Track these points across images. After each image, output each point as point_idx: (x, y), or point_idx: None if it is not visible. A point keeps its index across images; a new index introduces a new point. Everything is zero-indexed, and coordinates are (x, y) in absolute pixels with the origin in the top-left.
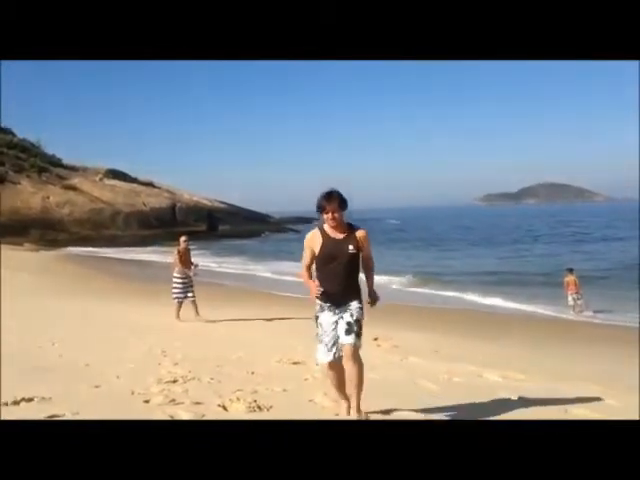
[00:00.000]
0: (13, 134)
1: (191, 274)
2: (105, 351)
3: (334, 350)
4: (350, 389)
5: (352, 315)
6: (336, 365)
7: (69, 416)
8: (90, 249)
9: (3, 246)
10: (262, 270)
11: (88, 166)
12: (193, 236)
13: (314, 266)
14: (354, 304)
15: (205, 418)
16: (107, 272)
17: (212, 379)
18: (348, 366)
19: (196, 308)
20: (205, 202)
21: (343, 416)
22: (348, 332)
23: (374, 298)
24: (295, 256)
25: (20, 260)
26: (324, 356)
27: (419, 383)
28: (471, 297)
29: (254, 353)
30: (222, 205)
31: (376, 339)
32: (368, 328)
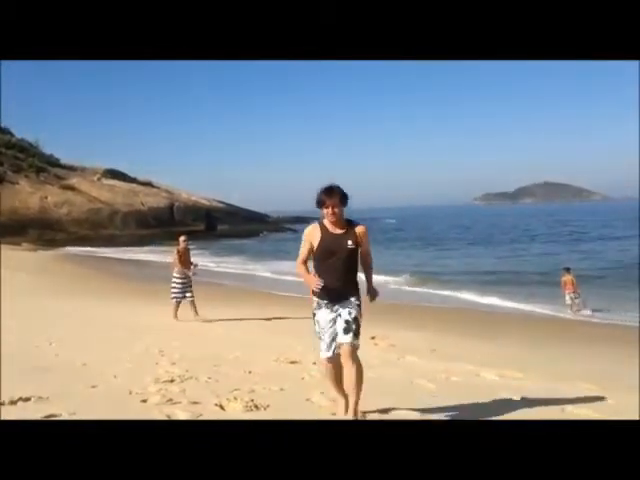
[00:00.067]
0: (11, 134)
1: (190, 274)
2: (102, 351)
3: (333, 346)
4: (348, 389)
5: (350, 313)
6: (335, 361)
7: (66, 416)
8: (88, 249)
9: (1, 246)
10: (261, 270)
11: (86, 166)
12: (191, 236)
13: (311, 262)
14: (352, 301)
15: (202, 417)
16: (105, 272)
17: (209, 378)
18: (346, 366)
19: (195, 308)
20: (203, 202)
21: (340, 415)
22: (346, 331)
23: (373, 294)
24: (293, 255)
25: (18, 260)
26: (324, 352)
27: (416, 382)
28: (469, 296)
29: (251, 352)
30: (220, 205)
31: (373, 338)
32: (365, 327)
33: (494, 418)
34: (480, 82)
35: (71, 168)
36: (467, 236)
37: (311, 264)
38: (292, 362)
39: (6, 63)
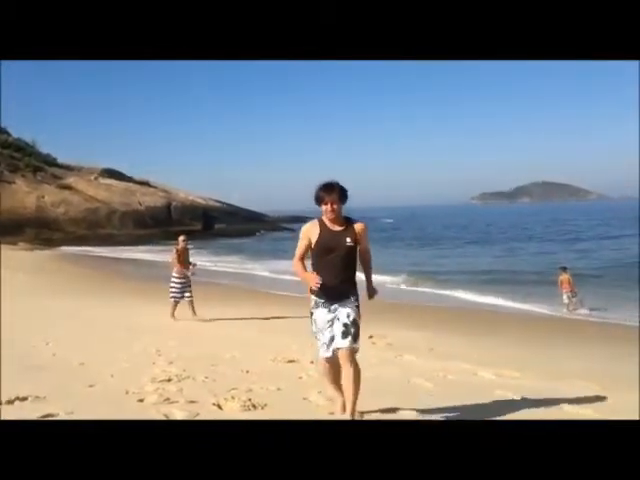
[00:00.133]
0: (8, 133)
1: (189, 274)
2: (100, 350)
3: (332, 347)
4: (346, 392)
5: (349, 316)
6: (333, 361)
7: (63, 415)
8: (85, 248)
9: (1, 246)
10: (259, 269)
11: (83, 165)
12: (189, 235)
13: (309, 261)
14: (350, 301)
15: (199, 417)
16: (102, 271)
17: (207, 378)
18: (345, 369)
19: (193, 308)
20: (200, 201)
21: (338, 414)
22: (345, 335)
23: (372, 292)
24: (291, 255)
25: (15, 260)
26: (322, 352)
27: (414, 381)
28: (466, 295)
29: (249, 352)
30: (217, 204)
31: (371, 337)
32: (363, 326)
33: (491, 417)
34: (480, 82)
35: (68, 167)
36: (464, 235)
37: (308, 263)
38: (289, 361)
39: (6, 63)
